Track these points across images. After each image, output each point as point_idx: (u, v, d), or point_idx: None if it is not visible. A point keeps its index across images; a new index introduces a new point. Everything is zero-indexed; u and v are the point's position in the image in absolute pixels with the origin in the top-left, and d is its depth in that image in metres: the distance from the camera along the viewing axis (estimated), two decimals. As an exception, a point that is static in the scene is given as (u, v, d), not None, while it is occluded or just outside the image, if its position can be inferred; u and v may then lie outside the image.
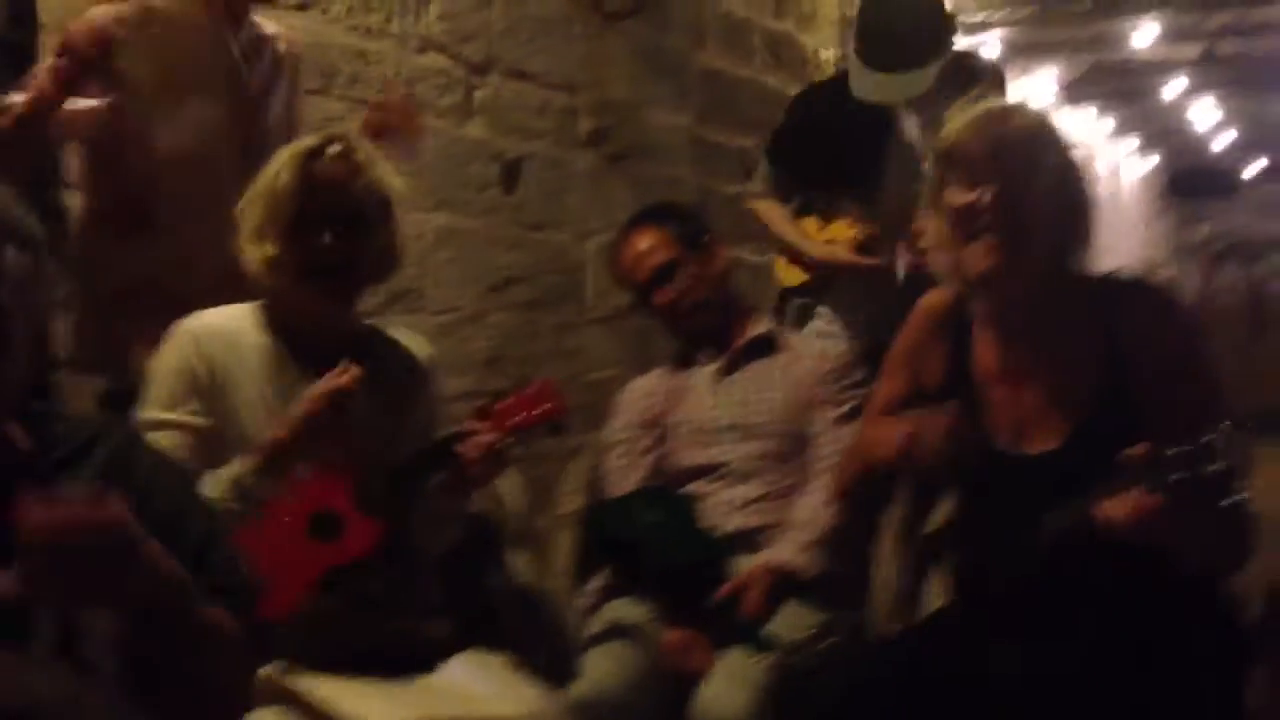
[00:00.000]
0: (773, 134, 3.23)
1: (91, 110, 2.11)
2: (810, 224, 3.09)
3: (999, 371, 1.78)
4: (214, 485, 1.73)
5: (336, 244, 1.83)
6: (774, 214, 3.13)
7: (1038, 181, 1.70)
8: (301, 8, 3.03)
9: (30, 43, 2.32)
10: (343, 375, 1.77)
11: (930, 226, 1.78)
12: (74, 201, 2.37)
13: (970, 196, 1.70)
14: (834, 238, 3.03)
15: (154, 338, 1.95)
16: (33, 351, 1.28)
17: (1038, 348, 1.76)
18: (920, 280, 2.64)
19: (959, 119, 1.77)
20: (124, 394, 2.00)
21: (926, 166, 1.81)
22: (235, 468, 1.76)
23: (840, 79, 3.06)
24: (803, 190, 3.13)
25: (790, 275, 3.19)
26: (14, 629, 1.07)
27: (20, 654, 1.09)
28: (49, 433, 1.32)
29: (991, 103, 1.83)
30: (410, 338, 2.05)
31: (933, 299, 1.90)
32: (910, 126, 2.96)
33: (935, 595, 2.04)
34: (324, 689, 1.68)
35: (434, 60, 3.44)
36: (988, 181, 1.70)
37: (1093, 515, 1.52)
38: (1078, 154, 1.77)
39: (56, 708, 1.07)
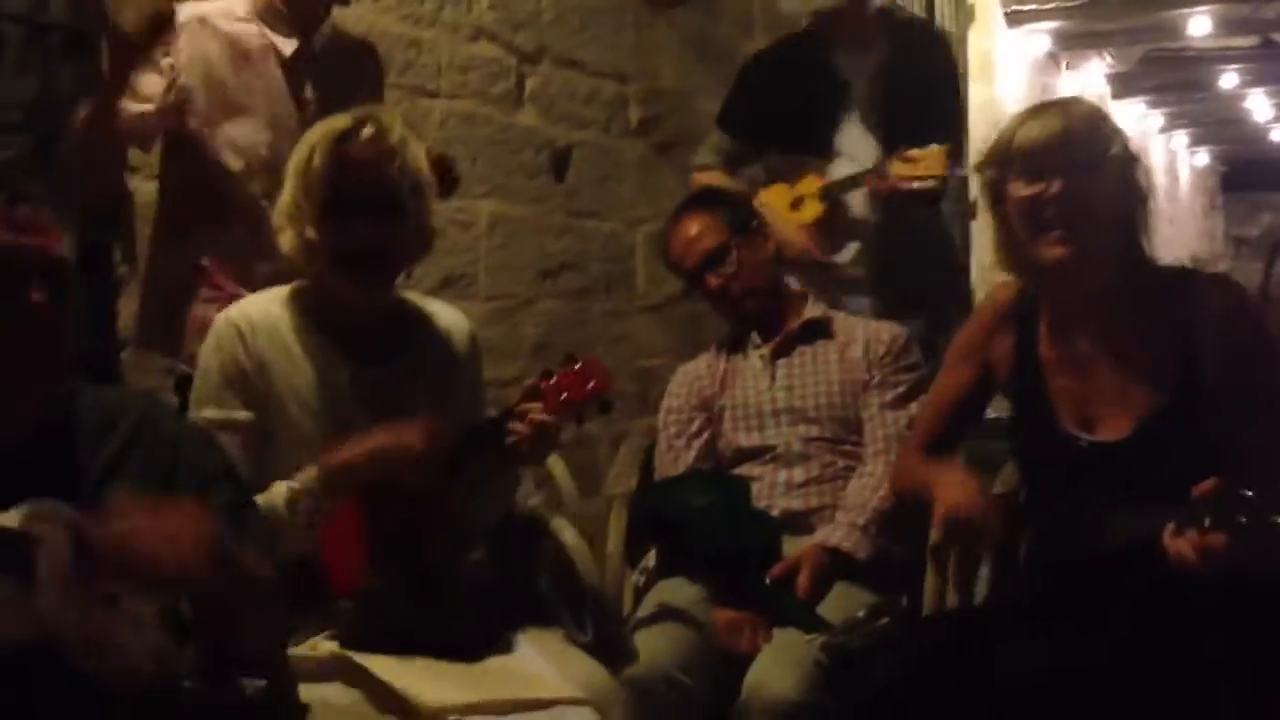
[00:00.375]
0: (725, 101, 3.13)
1: (151, 113, 2.11)
2: (778, 192, 2.96)
3: (1067, 361, 1.79)
4: (274, 499, 1.73)
5: (370, 228, 1.79)
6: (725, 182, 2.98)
7: (1102, 172, 1.71)
8: (352, -2, 3.06)
9: (94, 28, 2.36)
10: (416, 434, 1.76)
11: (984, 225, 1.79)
12: (142, 187, 2.43)
13: (1036, 188, 1.71)
14: (801, 193, 2.93)
15: (209, 320, 1.97)
16: (60, 370, 1.33)
17: (1107, 338, 1.76)
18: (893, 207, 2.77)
19: (1018, 116, 1.78)
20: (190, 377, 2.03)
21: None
22: (295, 484, 1.76)
23: (789, 42, 3.08)
24: (758, 158, 3.06)
25: None
26: (18, 559, 1.10)
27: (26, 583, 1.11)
28: (75, 406, 1.34)
29: (1051, 98, 1.84)
30: (450, 313, 2.03)
31: (1000, 293, 1.92)
32: (859, 85, 2.92)
33: (987, 579, 2.04)
34: (385, 667, 1.69)
35: (485, 48, 3.46)
36: (1052, 174, 1.71)
37: (1159, 539, 1.52)
38: (1134, 145, 1.78)
39: (79, 640, 1.10)
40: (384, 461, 1.75)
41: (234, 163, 2.18)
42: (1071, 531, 1.71)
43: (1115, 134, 1.77)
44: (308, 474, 1.76)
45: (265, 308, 1.87)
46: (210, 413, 1.80)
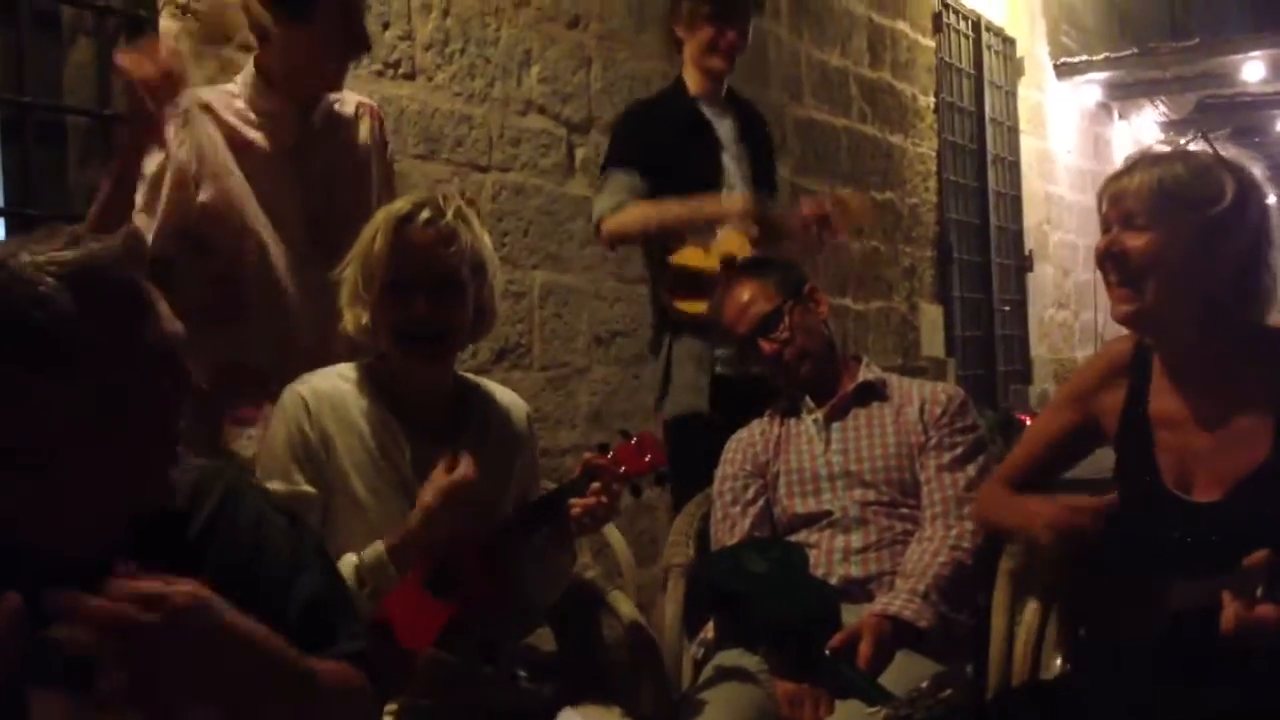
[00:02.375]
0: (613, 145, 3.10)
1: (168, 221, 2.08)
2: (694, 254, 2.93)
3: (1172, 416, 1.77)
4: (343, 572, 1.73)
5: (430, 309, 1.84)
6: (654, 206, 2.93)
7: (1174, 232, 1.67)
8: (409, 77, 3.13)
9: (151, 17, 2.42)
10: (459, 469, 1.79)
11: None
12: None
13: (1102, 241, 1.70)
14: (729, 248, 2.91)
15: (244, 417, 1.99)
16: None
17: (1211, 396, 1.74)
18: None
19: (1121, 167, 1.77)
20: None
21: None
22: (363, 557, 1.78)
23: (665, 94, 3.16)
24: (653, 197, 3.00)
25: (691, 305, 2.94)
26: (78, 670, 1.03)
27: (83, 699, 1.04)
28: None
29: (1152, 148, 1.81)
30: (506, 393, 2.07)
31: (1116, 345, 1.89)
32: (725, 129, 3.08)
33: (1053, 650, 2.00)
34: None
35: (535, 121, 3.52)
36: (1122, 226, 1.70)
37: (1217, 607, 1.49)
38: (1254, 203, 1.70)
39: None
40: (443, 508, 1.77)
41: (248, 251, 2.16)
42: (1149, 596, 1.66)
43: (1207, 194, 1.68)
44: (374, 549, 1.78)
45: (332, 381, 1.91)
46: (276, 486, 1.83)
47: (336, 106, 2.31)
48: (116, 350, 1.14)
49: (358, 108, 2.36)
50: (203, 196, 2.12)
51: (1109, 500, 1.74)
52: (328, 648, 1.30)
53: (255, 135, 2.18)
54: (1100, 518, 1.73)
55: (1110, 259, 1.71)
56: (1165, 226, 1.67)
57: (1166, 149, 1.81)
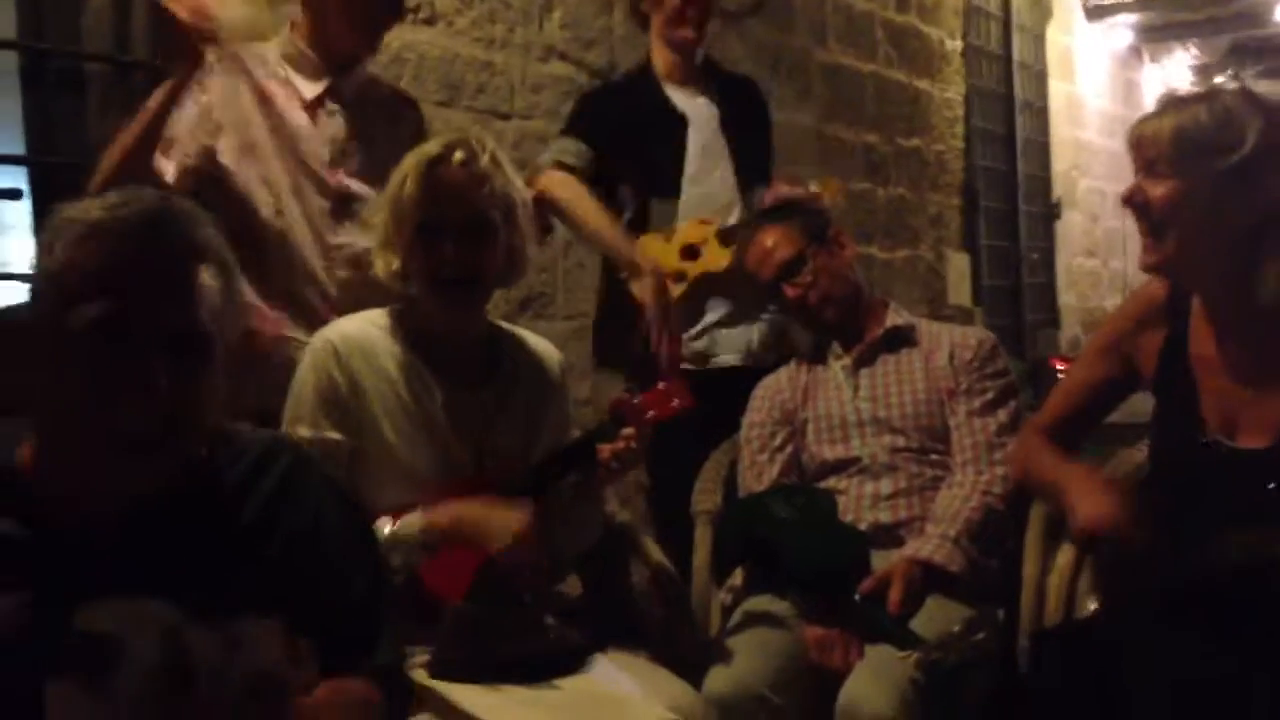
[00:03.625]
0: (571, 118, 2.84)
1: (189, 166, 2.06)
2: (653, 241, 2.67)
3: (1214, 363, 1.73)
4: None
5: (460, 253, 1.82)
6: (588, 206, 2.62)
7: (1194, 180, 1.63)
8: (429, 22, 3.09)
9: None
10: (518, 520, 1.77)
11: None
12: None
13: (1125, 189, 1.67)
14: (691, 240, 2.68)
15: (268, 380, 1.98)
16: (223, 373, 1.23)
17: (1252, 340, 1.70)
18: None
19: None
20: None
21: None
22: (397, 529, 1.77)
23: (626, 77, 2.94)
24: (607, 183, 2.72)
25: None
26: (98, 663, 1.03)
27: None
28: (224, 450, 1.29)
29: (1178, 92, 1.77)
30: (540, 341, 2.06)
31: (1151, 288, 1.85)
32: (699, 114, 2.78)
33: (1087, 592, 1.98)
34: (474, 697, 1.67)
35: (557, 67, 3.47)
36: (1141, 175, 1.66)
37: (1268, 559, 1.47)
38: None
39: None
40: (484, 537, 1.76)
41: (264, 202, 2.12)
42: (1197, 543, 1.64)
43: (1234, 139, 1.63)
44: (409, 522, 1.78)
45: (362, 327, 1.90)
46: (304, 432, 1.82)
47: (375, 86, 2.30)
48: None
49: (396, 94, 2.35)
50: (221, 145, 2.10)
51: (1146, 512, 1.69)
52: (364, 656, 1.30)
53: (281, 91, 2.16)
54: (1136, 531, 1.68)
55: (1134, 207, 1.68)
56: (1185, 174, 1.63)
57: (1193, 92, 1.76)
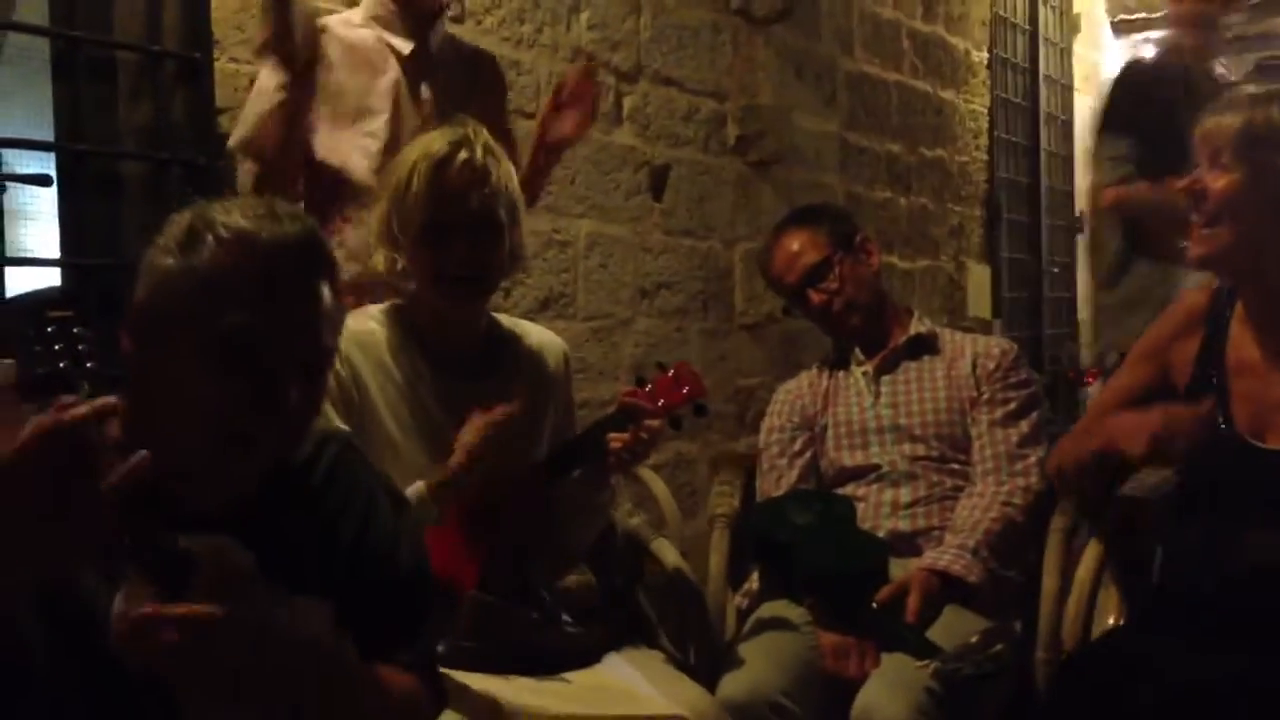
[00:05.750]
0: (1112, 109, 3.14)
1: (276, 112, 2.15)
2: None
3: (1250, 364, 1.74)
4: None
5: (469, 251, 1.83)
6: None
7: (1257, 174, 1.65)
8: (457, 20, 3.09)
9: (206, 60, 2.42)
10: (499, 412, 1.79)
11: None
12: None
13: (1185, 180, 1.69)
14: None
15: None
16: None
17: None
18: None
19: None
20: None
21: None
22: (408, 492, 1.77)
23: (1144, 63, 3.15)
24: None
25: None
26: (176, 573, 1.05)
27: None
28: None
29: (1246, 88, 1.77)
30: (542, 333, 2.06)
31: (1193, 297, 1.87)
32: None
33: (1107, 608, 1.97)
34: (486, 684, 1.69)
35: (583, 68, 3.47)
36: (1204, 167, 1.68)
37: None
38: None
39: None
40: (485, 444, 1.77)
41: (361, 166, 2.18)
42: (1225, 544, 1.63)
43: None
44: (415, 488, 1.77)
45: (363, 322, 1.90)
46: None
47: (455, 44, 2.38)
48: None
49: (474, 50, 2.44)
50: (316, 113, 2.18)
51: (1207, 407, 1.70)
52: (406, 647, 1.31)
53: (373, 50, 2.22)
54: (1199, 422, 1.69)
55: (1192, 197, 1.69)
56: (1248, 168, 1.65)
57: (1264, 90, 1.76)
